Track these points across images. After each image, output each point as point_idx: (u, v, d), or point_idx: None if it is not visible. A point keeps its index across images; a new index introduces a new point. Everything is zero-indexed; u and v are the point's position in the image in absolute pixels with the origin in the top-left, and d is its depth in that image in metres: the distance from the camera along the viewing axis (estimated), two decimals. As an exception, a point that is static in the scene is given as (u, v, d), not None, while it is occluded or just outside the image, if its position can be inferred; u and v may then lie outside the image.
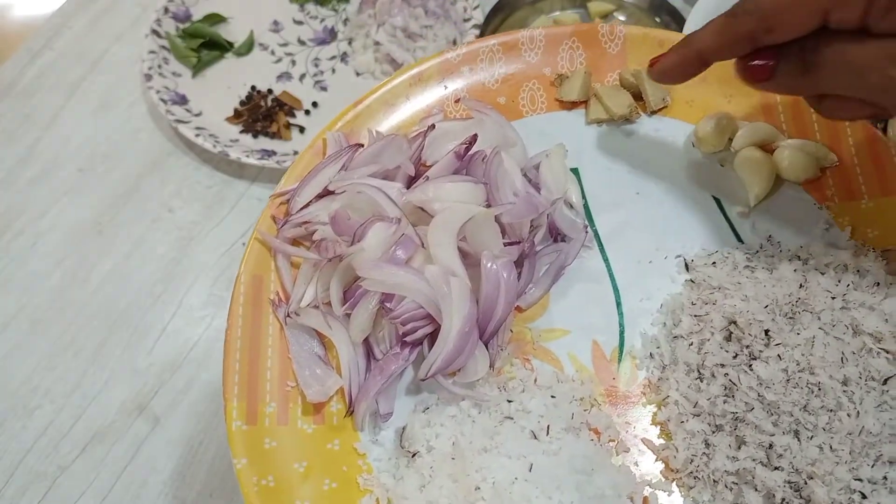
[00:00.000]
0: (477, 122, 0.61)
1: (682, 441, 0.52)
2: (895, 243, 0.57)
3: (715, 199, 0.61)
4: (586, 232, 0.59)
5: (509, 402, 0.52)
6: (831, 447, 0.48)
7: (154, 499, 0.77)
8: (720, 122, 0.61)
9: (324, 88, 1.04)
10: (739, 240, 0.60)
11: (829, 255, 0.57)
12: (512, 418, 0.51)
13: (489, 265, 0.51)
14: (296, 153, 0.95)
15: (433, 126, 0.59)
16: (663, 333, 0.56)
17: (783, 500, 0.49)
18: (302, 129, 1.00)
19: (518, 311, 0.57)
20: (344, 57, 1.07)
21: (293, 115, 1.01)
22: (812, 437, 0.48)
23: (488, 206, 0.54)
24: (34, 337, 0.86)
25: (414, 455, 0.50)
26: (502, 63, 0.66)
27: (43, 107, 1.05)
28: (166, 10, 1.07)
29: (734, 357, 0.52)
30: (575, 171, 0.63)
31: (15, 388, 0.83)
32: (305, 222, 0.55)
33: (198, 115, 1.00)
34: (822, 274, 0.55)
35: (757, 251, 0.59)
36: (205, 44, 1.06)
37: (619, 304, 0.57)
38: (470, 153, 0.57)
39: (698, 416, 0.52)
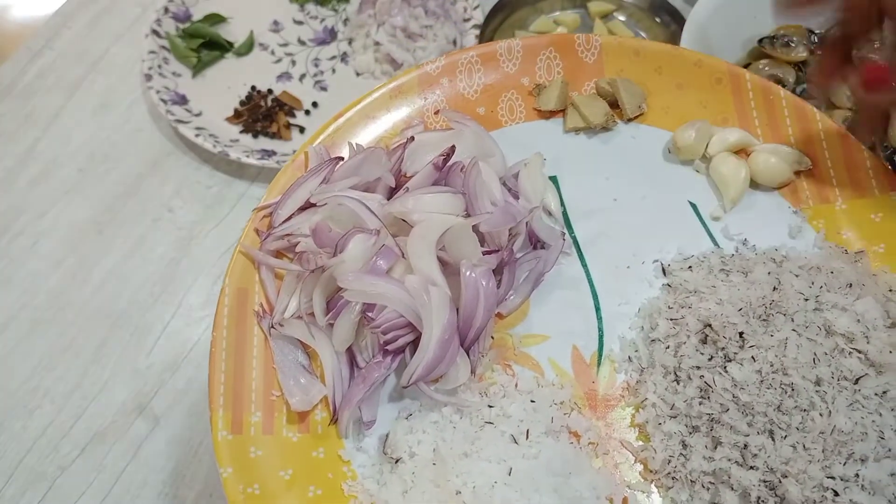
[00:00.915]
0: (456, 133, 0.61)
1: (659, 442, 0.53)
2: (868, 245, 0.57)
3: (691, 204, 0.62)
4: (564, 239, 0.60)
5: (490, 407, 0.53)
6: (804, 446, 0.49)
7: (154, 499, 0.77)
8: (699, 129, 0.62)
9: (324, 88, 1.04)
10: (715, 244, 0.61)
11: (802, 257, 0.58)
12: (492, 423, 0.52)
13: (468, 274, 0.52)
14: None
15: (412, 138, 0.60)
16: (641, 337, 0.57)
17: (758, 498, 0.49)
18: (302, 129, 1.00)
19: (499, 318, 0.58)
20: (344, 57, 1.07)
21: (293, 115, 1.01)
22: (786, 436, 0.49)
23: (467, 215, 0.55)
24: (34, 337, 0.87)
25: (397, 461, 0.51)
26: (481, 74, 0.66)
27: (43, 107, 1.05)
28: (166, 10, 1.07)
29: (709, 359, 0.53)
30: (553, 179, 0.63)
31: (15, 388, 0.83)
32: (288, 235, 0.56)
33: (198, 115, 1.00)
34: (796, 276, 0.56)
35: (732, 255, 0.59)
36: (205, 44, 1.06)
37: (597, 309, 0.58)
38: (449, 164, 0.58)
39: (675, 417, 0.53)
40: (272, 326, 0.55)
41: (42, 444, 0.80)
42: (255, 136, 0.99)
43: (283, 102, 1.02)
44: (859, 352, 0.51)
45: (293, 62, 1.07)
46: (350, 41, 1.08)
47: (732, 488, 0.50)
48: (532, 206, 0.59)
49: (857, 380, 0.50)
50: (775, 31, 0.96)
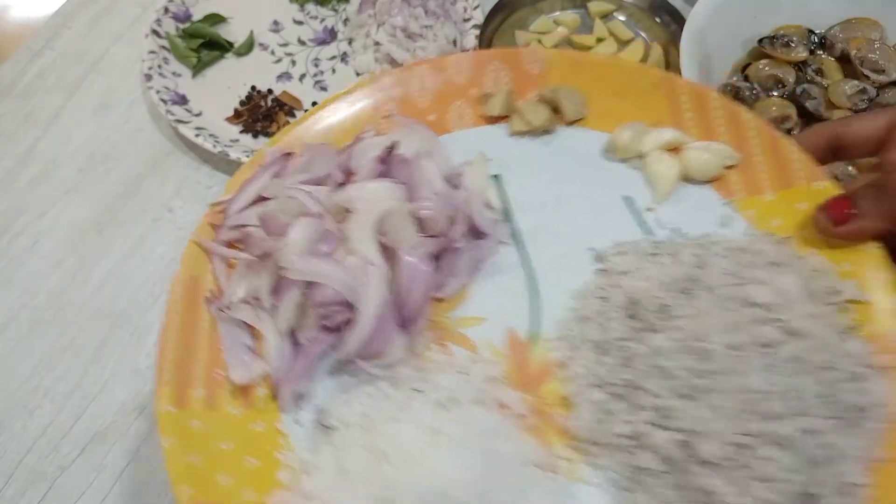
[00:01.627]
0: (402, 132, 0.64)
1: (584, 411, 0.54)
2: (795, 232, 0.60)
3: (627, 198, 0.65)
4: (505, 229, 0.63)
5: (423, 381, 0.56)
6: (720, 406, 0.50)
7: (154, 499, 0.77)
8: (634, 130, 0.65)
9: (324, 88, 1.04)
10: (649, 233, 0.64)
11: (730, 240, 0.60)
12: (423, 391, 0.55)
13: (405, 257, 0.55)
14: (296, 153, 0.96)
15: (361, 137, 0.63)
16: (573, 317, 0.59)
17: (675, 457, 0.51)
18: (302, 129, 1.00)
19: (438, 302, 0.60)
20: (344, 57, 1.07)
21: (293, 115, 1.01)
22: (702, 398, 0.51)
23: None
24: (34, 337, 0.87)
25: (330, 430, 0.53)
26: (433, 85, 0.69)
27: (43, 107, 1.05)
28: (166, 10, 1.07)
29: (634, 331, 0.55)
30: (497, 178, 0.66)
31: (15, 388, 0.83)
32: (239, 226, 0.59)
33: (198, 115, 1.00)
34: (723, 257, 0.58)
35: (664, 241, 0.62)
36: (205, 44, 1.06)
37: (534, 294, 0.61)
38: (393, 157, 0.60)
39: (599, 386, 0.55)
40: (220, 309, 0.57)
41: (42, 444, 0.80)
42: (255, 136, 0.99)
43: (283, 102, 1.02)
44: (778, 320, 0.53)
45: (293, 62, 1.07)
46: (350, 41, 1.08)
47: (651, 450, 0.52)
48: (474, 197, 0.62)
49: (773, 345, 0.52)
50: (775, 31, 0.97)
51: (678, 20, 1.02)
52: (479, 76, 0.69)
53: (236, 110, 1.01)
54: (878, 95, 0.91)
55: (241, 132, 0.99)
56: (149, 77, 1.01)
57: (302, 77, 1.05)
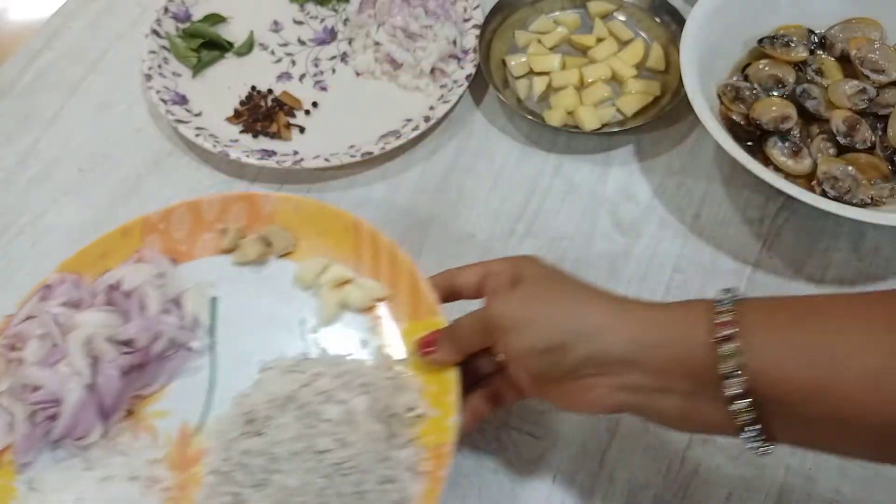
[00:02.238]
0: (138, 265, 0.79)
1: (202, 490, 0.68)
2: (409, 356, 0.72)
3: (301, 322, 0.77)
4: (204, 342, 0.77)
5: (102, 460, 0.70)
6: (272, 496, 0.64)
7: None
8: (317, 264, 0.79)
9: (324, 88, 1.04)
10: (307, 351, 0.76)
11: (348, 362, 0.73)
12: (95, 468, 0.70)
13: (104, 366, 0.72)
14: (296, 153, 0.96)
15: (108, 271, 0.79)
16: (225, 415, 0.72)
17: None
18: (302, 129, 1.00)
19: (138, 400, 0.74)
20: (344, 57, 1.07)
21: (293, 115, 1.01)
22: (264, 490, 0.64)
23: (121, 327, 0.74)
24: (34, 337, 0.86)
25: (33, 491, 0.71)
26: (188, 220, 0.82)
27: (43, 107, 1.05)
28: (166, 10, 1.07)
29: (247, 433, 0.69)
30: (215, 299, 0.79)
31: (15, 389, 0.83)
32: (10, 336, 0.76)
33: (198, 115, 1.00)
34: (329, 377, 0.70)
35: (304, 360, 0.74)
36: (205, 44, 1.06)
37: (211, 394, 0.74)
38: (116, 289, 0.77)
39: (216, 472, 0.68)
40: None
41: (42, 445, 0.80)
42: (255, 136, 0.99)
43: (283, 102, 1.02)
44: (337, 433, 0.66)
45: (293, 62, 1.07)
46: (350, 41, 1.08)
47: None
48: (186, 318, 0.77)
49: (325, 453, 0.65)
50: (775, 31, 0.97)
51: (678, 20, 1.02)
52: (224, 213, 0.82)
53: (236, 110, 1.01)
54: (878, 95, 0.91)
55: (241, 132, 0.99)
56: (149, 77, 1.01)
57: (302, 77, 1.06)
